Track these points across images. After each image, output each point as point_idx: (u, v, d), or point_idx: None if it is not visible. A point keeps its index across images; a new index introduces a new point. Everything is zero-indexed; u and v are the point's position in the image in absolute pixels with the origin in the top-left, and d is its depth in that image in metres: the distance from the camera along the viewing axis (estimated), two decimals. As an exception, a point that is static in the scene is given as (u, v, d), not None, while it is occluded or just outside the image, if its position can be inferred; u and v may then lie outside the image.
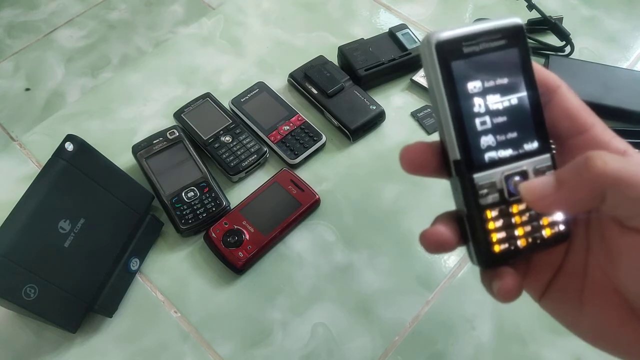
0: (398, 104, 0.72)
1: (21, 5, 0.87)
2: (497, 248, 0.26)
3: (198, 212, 0.60)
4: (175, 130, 0.66)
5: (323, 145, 0.68)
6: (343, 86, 0.70)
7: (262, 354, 0.54)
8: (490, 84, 0.25)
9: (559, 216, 0.27)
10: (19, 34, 0.83)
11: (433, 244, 0.26)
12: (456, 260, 0.59)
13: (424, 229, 0.26)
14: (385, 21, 0.82)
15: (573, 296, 0.27)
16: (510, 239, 0.26)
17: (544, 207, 0.24)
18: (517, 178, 0.26)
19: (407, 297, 0.57)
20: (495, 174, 0.26)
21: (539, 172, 0.26)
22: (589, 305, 0.26)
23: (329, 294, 0.57)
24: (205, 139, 0.66)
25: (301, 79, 0.72)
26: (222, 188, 0.64)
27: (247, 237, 0.58)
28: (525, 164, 0.26)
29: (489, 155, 0.26)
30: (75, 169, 0.53)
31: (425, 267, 0.59)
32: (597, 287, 0.26)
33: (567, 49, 0.75)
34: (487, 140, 0.25)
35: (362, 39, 0.75)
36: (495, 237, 0.26)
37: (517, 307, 0.55)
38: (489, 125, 0.25)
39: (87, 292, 0.53)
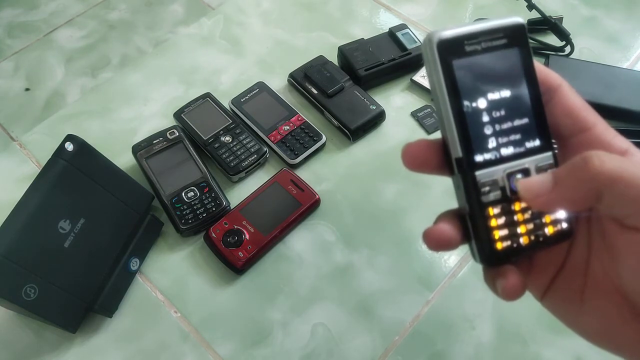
0: (398, 104, 0.72)
1: (21, 5, 0.87)
2: (499, 245, 0.26)
3: (198, 212, 0.60)
4: (175, 130, 0.66)
5: (323, 145, 0.68)
6: (343, 86, 0.70)
7: (262, 354, 0.54)
8: (491, 82, 0.26)
9: (561, 214, 0.27)
10: (19, 34, 0.83)
11: (436, 242, 0.26)
12: (456, 260, 0.59)
13: (427, 227, 0.27)
14: (385, 21, 0.82)
15: (575, 295, 0.27)
16: (513, 236, 0.26)
17: (541, 205, 0.24)
18: (519, 176, 0.26)
19: (407, 297, 0.57)
20: (497, 172, 0.26)
21: (541, 170, 0.26)
22: (591, 303, 0.26)
23: (329, 294, 0.57)
24: (205, 139, 0.66)
25: (301, 79, 0.72)
26: (222, 188, 0.63)
27: (247, 237, 0.58)
28: (527, 162, 0.26)
29: (490, 153, 0.26)
30: (75, 169, 0.53)
31: (426, 267, 0.59)
32: (598, 286, 0.26)
33: (567, 49, 0.75)
34: (488, 138, 0.26)
35: (362, 39, 0.75)
36: (498, 234, 0.26)
37: (517, 307, 0.55)
38: (490, 123, 0.26)
39: (87, 292, 0.53)
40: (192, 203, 0.61)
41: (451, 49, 0.25)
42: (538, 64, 0.26)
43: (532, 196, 0.24)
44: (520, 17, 0.26)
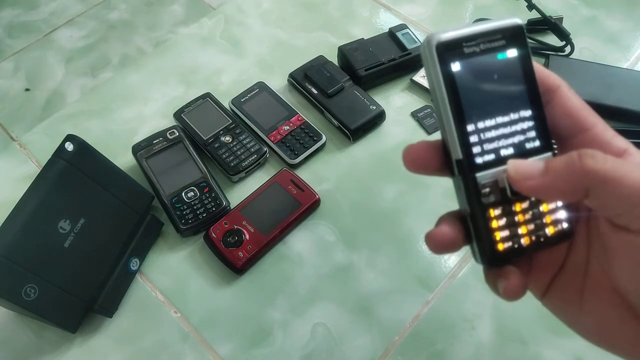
0: (398, 104, 0.72)
1: (21, 5, 0.87)
2: (500, 246, 0.26)
3: (198, 212, 0.60)
4: (175, 130, 0.66)
5: (323, 145, 0.68)
6: (343, 86, 0.70)
7: (262, 354, 0.54)
8: (491, 84, 0.26)
9: (562, 214, 0.27)
10: (19, 34, 0.83)
11: (438, 245, 0.26)
12: (456, 260, 0.59)
13: (429, 230, 0.27)
14: (385, 21, 0.82)
15: (574, 295, 0.27)
16: (514, 237, 0.26)
17: (527, 189, 0.24)
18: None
19: (407, 297, 0.57)
20: (497, 173, 0.26)
21: None
22: (590, 303, 0.27)
23: (329, 294, 0.57)
24: (205, 139, 0.66)
25: (301, 79, 0.72)
26: (222, 188, 0.64)
27: (247, 237, 0.58)
28: None
29: (491, 154, 0.26)
30: (75, 169, 0.53)
31: (426, 267, 0.59)
32: (597, 286, 0.26)
33: (567, 49, 0.75)
34: (488, 139, 0.26)
35: (362, 39, 0.75)
36: (499, 235, 0.26)
37: (517, 307, 0.55)
38: (490, 124, 0.26)
39: (87, 292, 0.53)
40: (192, 203, 0.61)
41: (450, 51, 0.25)
42: (537, 65, 0.26)
43: (520, 178, 0.24)
44: (518, 19, 0.26)
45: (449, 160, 0.26)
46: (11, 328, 0.56)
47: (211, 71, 0.77)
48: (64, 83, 0.77)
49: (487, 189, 0.26)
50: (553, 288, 0.28)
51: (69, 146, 0.53)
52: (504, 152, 0.26)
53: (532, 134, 0.26)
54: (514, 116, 0.26)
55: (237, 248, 0.58)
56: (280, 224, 0.60)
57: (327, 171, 0.66)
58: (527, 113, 0.26)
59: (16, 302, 0.48)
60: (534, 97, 0.26)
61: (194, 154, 0.64)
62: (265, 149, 0.66)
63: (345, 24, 0.82)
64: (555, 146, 0.27)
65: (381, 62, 0.72)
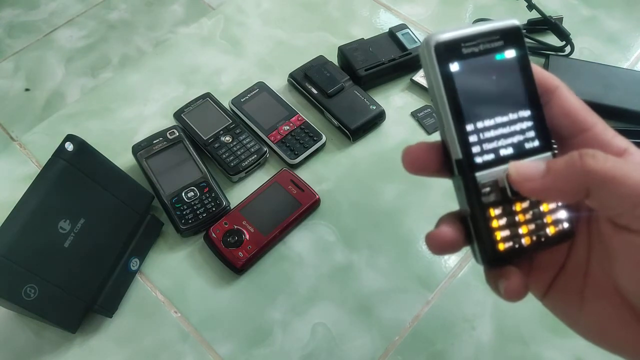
0: (398, 104, 0.72)
1: (21, 5, 0.87)
2: (501, 246, 0.26)
3: (198, 212, 0.60)
4: (175, 130, 0.66)
5: (323, 145, 0.68)
6: (343, 86, 0.70)
7: (262, 354, 0.54)
8: (489, 84, 0.26)
9: (563, 214, 0.27)
10: (19, 34, 0.83)
11: (438, 245, 0.26)
12: (457, 260, 0.59)
13: (429, 230, 0.27)
14: (385, 21, 0.82)
15: (575, 295, 0.27)
16: (515, 237, 0.26)
17: (528, 190, 0.24)
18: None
19: (407, 297, 0.57)
20: (497, 172, 0.26)
21: None
22: (590, 304, 0.27)
23: (329, 294, 0.57)
24: (205, 139, 0.66)
25: (301, 79, 0.72)
26: (222, 188, 0.64)
27: (247, 237, 0.58)
28: None
29: (490, 154, 0.26)
30: (75, 169, 0.53)
31: (426, 267, 0.59)
32: (598, 286, 0.26)
33: (567, 49, 0.75)
34: (488, 139, 0.26)
35: (362, 39, 0.75)
36: (499, 235, 0.26)
37: (517, 307, 0.55)
38: (489, 124, 0.26)
39: (87, 292, 0.53)
40: (192, 203, 0.61)
41: (449, 52, 0.25)
42: (535, 67, 0.26)
43: (521, 179, 0.24)
44: (515, 20, 0.26)
45: (449, 160, 0.26)
46: (11, 328, 0.56)
47: (211, 71, 0.77)
48: (64, 83, 0.77)
49: (487, 189, 0.26)
50: (554, 288, 0.28)
51: (69, 146, 0.53)
52: (503, 152, 0.26)
53: (532, 133, 0.26)
54: (512, 116, 0.26)
55: (237, 248, 0.58)
56: (280, 224, 0.60)
57: (327, 171, 0.66)
58: (526, 113, 0.26)
59: (16, 302, 0.48)
60: (533, 96, 0.26)
61: (194, 154, 0.64)
62: (265, 149, 0.66)
63: (345, 24, 0.82)
64: (555, 146, 0.27)
65: (381, 62, 0.72)
